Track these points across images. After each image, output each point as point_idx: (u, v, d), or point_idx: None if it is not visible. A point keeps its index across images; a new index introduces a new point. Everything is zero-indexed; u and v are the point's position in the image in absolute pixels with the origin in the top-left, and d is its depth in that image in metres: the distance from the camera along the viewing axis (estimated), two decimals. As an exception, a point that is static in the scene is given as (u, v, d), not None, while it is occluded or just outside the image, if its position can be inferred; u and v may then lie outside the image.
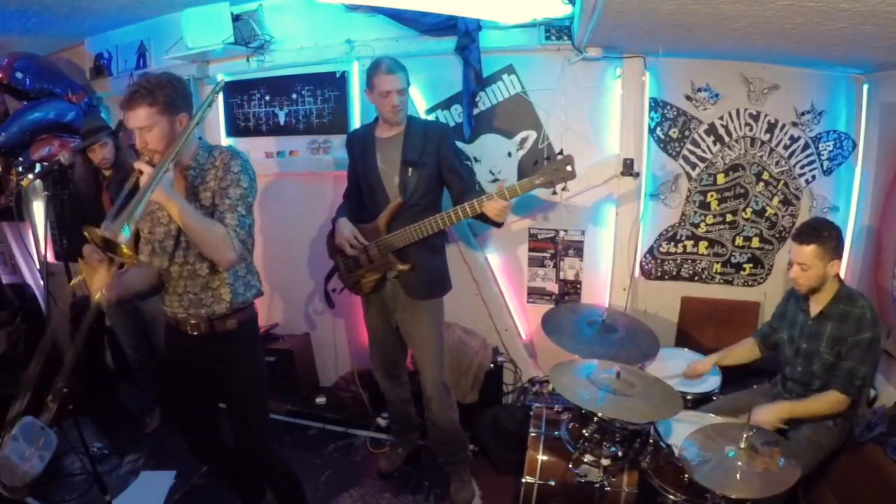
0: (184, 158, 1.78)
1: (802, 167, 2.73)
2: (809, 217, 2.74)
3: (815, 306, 2.12)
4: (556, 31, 2.72)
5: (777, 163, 2.74)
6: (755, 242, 2.85)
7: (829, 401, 2.02)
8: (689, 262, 2.94)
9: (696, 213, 2.87)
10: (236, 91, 3.36)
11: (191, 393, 1.98)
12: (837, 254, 2.03)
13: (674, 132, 2.81)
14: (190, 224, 1.66)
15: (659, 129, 2.82)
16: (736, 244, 2.87)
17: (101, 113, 3.61)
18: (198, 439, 2.10)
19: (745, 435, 1.79)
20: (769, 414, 2.03)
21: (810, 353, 2.13)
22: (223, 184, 1.78)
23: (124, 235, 1.45)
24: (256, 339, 2.03)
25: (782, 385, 2.30)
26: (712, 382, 2.45)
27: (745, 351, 2.44)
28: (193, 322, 1.87)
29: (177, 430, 2.09)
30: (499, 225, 2.35)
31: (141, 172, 1.65)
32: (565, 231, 3.01)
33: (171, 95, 1.71)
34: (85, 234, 1.51)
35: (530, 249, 3.09)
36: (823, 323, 2.09)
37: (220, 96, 3.39)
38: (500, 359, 3.09)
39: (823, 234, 1.99)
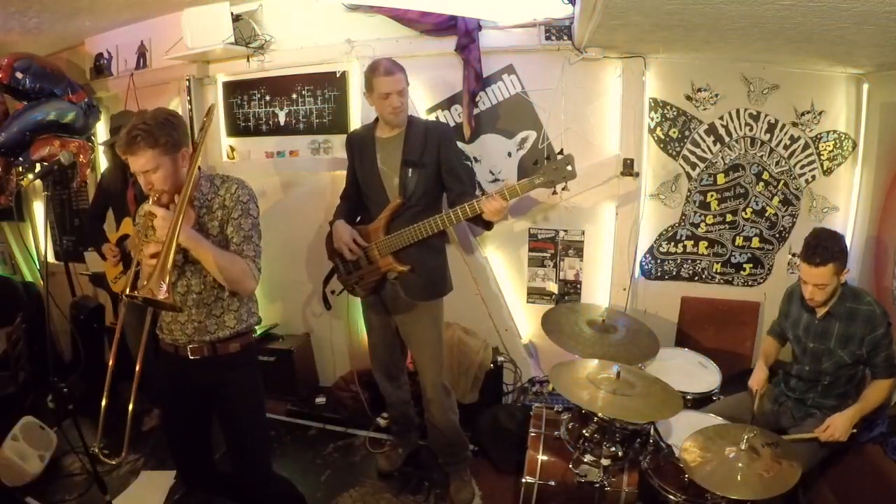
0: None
1: (802, 167, 2.73)
2: (809, 217, 2.75)
3: (821, 307, 2.13)
4: (556, 31, 2.73)
5: (777, 163, 2.74)
6: (755, 242, 2.85)
7: (882, 389, 2.04)
8: (689, 262, 2.94)
9: (696, 213, 2.87)
10: (236, 91, 3.37)
11: (187, 419, 1.96)
12: (847, 262, 2.03)
13: (674, 132, 2.81)
14: (214, 261, 1.69)
15: (659, 129, 2.82)
16: (736, 244, 2.87)
17: (101, 114, 3.61)
18: (191, 465, 2.06)
19: (745, 436, 1.80)
20: (842, 428, 1.99)
21: (818, 352, 2.13)
22: (234, 214, 1.79)
23: (163, 290, 1.52)
24: (256, 364, 2.03)
25: (784, 384, 2.31)
26: (712, 382, 2.45)
27: (772, 348, 2.43)
28: (195, 346, 1.85)
29: (174, 458, 2.07)
30: (489, 227, 2.32)
31: (153, 216, 1.66)
32: (565, 231, 3.01)
33: (173, 134, 1.70)
34: (126, 297, 1.58)
35: (530, 249, 3.09)
36: (830, 322, 2.10)
37: (220, 108, 3.40)
38: (500, 359, 3.09)
39: (836, 250, 1.98)
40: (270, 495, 2.06)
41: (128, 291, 1.58)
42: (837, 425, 1.99)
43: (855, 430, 2.01)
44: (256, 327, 1.99)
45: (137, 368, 1.91)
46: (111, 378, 1.92)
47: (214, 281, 1.78)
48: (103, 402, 2.00)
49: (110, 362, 1.90)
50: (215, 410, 1.96)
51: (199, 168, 1.84)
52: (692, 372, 2.54)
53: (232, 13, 2.95)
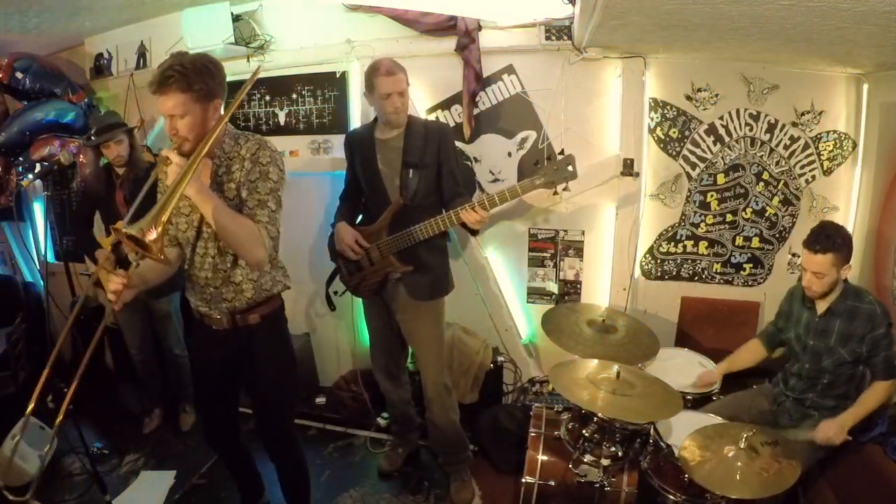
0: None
1: (802, 167, 2.73)
2: (809, 217, 2.75)
3: (823, 304, 2.13)
4: (556, 31, 2.72)
5: (777, 163, 2.74)
6: (755, 242, 2.85)
7: (880, 391, 2.04)
8: (689, 262, 2.94)
9: (696, 213, 2.87)
10: (236, 91, 3.35)
11: (214, 382, 1.98)
12: (849, 258, 2.03)
13: (674, 132, 2.81)
14: (221, 222, 1.60)
15: (659, 129, 2.81)
16: (736, 244, 2.87)
17: (101, 113, 3.61)
18: (214, 425, 2.10)
19: (745, 435, 1.80)
20: (837, 429, 1.99)
21: (818, 350, 2.14)
22: (251, 176, 1.69)
23: (154, 233, 1.40)
24: (281, 332, 1.99)
25: (784, 384, 2.31)
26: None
27: (750, 354, 2.44)
28: (217, 317, 1.84)
29: (199, 416, 2.12)
30: (474, 233, 2.36)
31: (169, 161, 1.58)
32: (565, 231, 3.01)
33: (209, 83, 1.60)
34: (112, 231, 1.43)
35: (530, 249, 3.09)
36: (831, 320, 2.10)
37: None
38: (500, 359, 3.09)
39: (838, 241, 1.99)
40: (284, 457, 2.09)
41: (122, 227, 1.43)
42: (826, 432, 1.99)
43: (850, 438, 1.99)
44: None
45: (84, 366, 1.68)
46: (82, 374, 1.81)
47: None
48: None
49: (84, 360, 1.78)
50: (242, 376, 1.97)
51: (228, 123, 1.74)
52: (692, 372, 2.53)
53: (232, 13, 2.94)
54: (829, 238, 1.99)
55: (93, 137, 2.76)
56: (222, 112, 1.71)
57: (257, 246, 1.65)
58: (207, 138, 1.59)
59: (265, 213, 1.69)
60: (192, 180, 1.54)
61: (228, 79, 3.34)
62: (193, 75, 1.57)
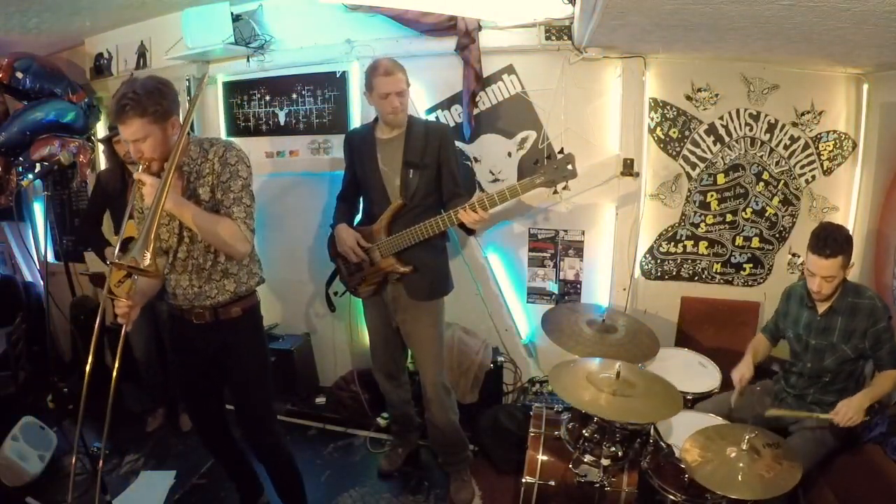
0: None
1: (802, 167, 2.73)
2: (809, 217, 2.75)
3: (824, 303, 2.14)
4: (556, 31, 2.73)
5: (777, 163, 2.74)
6: (755, 242, 2.85)
7: (891, 378, 2.04)
8: (689, 262, 2.94)
9: (696, 213, 2.87)
10: (236, 91, 3.36)
11: (199, 378, 2.03)
12: (851, 255, 2.05)
13: (674, 132, 2.81)
14: (203, 226, 1.71)
15: (659, 129, 2.81)
16: (736, 244, 2.87)
17: (101, 114, 3.61)
18: (206, 423, 2.15)
19: (747, 436, 1.80)
20: (856, 408, 1.97)
21: (821, 349, 2.14)
22: (223, 177, 1.79)
23: (146, 259, 1.53)
24: (259, 325, 2.08)
25: (784, 381, 2.31)
26: (712, 382, 2.45)
27: (764, 346, 2.43)
28: (198, 311, 1.90)
29: (190, 417, 2.16)
30: (471, 233, 2.37)
31: (143, 183, 1.69)
32: (565, 231, 3.01)
33: (162, 103, 1.70)
34: (110, 266, 1.58)
35: (530, 249, 3.09)
36: (833, 318, 2.11)
37: (220, 108, 3.40)
38: (500, 359, 3.09)
39: (843, 243, 2.01)
40: (271, 454, 2.13)
41: (114, 259, 1.59)
42: (850, 407, 1.96)
43: (868, 419, 1.99)
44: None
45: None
46: (116, 380, 1.93)
47: (210, 246, 1.81)
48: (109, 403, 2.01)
49: (116, 364, 1.91)
50: (222, 370, 2.01)
51: (189, 134, 1.84)
52: (692, 372, 2.53)
53: (232, 13, 2.94)
54: (836, 241, 2.00)
55: (92, 138, 2.77)
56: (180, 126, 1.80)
57: (239, 241, 1.77)
58: (173, 154, 1.68)
59: (241, 210, 1.79)
60: (174, 199, 1.67)
61: (228, 79, 3.41)
62: (146, 99, 1.65)
